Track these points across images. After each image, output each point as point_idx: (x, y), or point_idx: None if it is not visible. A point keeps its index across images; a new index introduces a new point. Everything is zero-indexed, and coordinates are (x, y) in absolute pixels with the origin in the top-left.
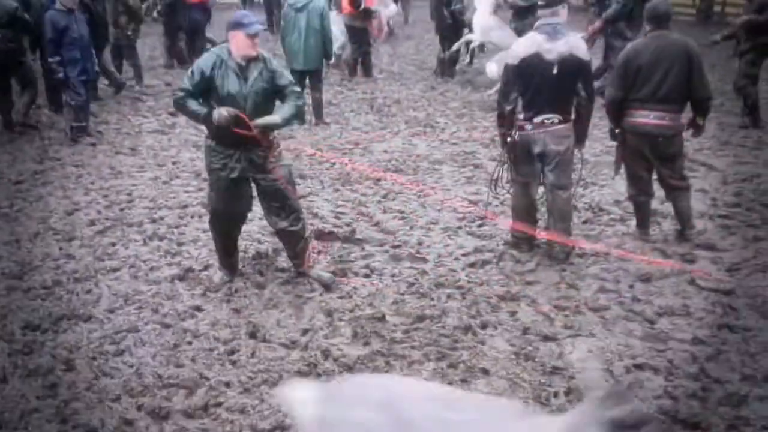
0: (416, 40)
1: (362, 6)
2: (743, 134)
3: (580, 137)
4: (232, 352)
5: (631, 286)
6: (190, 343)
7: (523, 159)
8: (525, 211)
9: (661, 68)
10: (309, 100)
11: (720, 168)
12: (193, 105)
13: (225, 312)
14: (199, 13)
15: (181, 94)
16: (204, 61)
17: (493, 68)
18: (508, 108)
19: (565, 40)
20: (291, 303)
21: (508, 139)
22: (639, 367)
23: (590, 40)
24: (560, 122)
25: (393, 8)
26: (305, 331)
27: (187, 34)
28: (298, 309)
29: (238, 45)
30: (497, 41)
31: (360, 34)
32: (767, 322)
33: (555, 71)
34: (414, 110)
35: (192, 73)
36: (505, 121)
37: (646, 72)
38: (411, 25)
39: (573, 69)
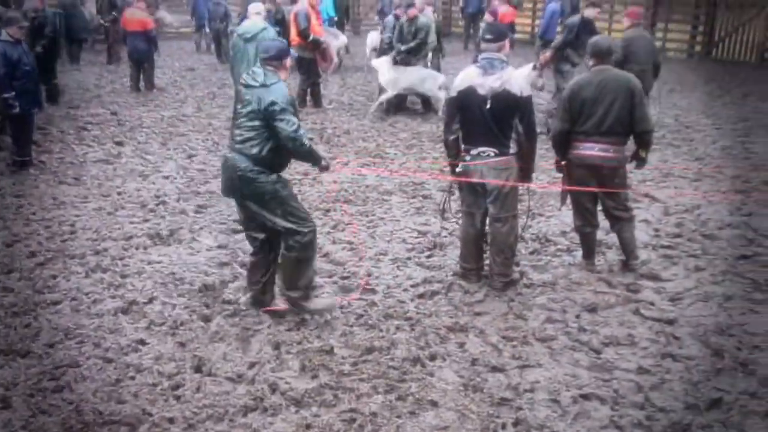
0: (366, 71)
1: (311, 37)
2: (684, 166)
3: (525, 172)
4: (176, 387)
5: (577, 317)
6: (132, 378)
7: (466, 189)
8: (471, 242)
9: (604, 102)
10: None
11: (662, 199)
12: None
13: (169, 345)
14: (141, 41)
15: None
16: None
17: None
18: (451, 138)
19: (499, 75)
20: (238, 336)
21: (457, 169)
22: (585, 397)
23: (542, 69)
24: (497, 155)
25: (343, 39)
26: (252, 365)
27: (131, 62)
28: (245, 342)
29: None
30: (428, 85)
31: (309, 64)
32: (709, 351)
33: (488, 105)
34: (364, 141)
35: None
36: (450, 151)
37: (590, 106)
38: (361, 56)
39: (507, 104)
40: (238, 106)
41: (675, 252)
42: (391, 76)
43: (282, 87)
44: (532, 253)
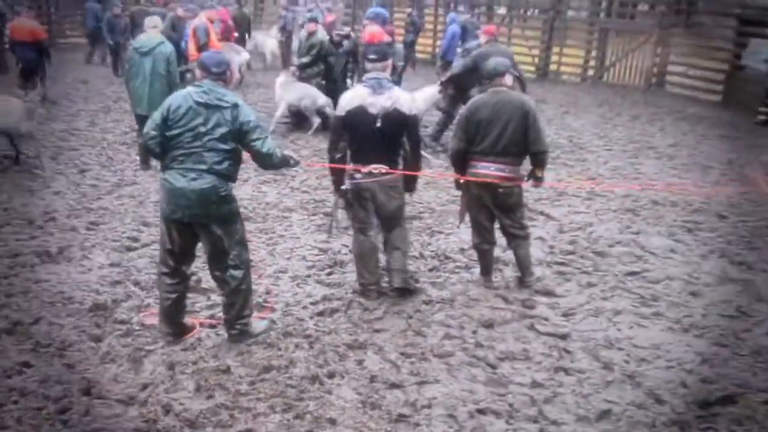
0: (268, 87)
1: None
2: (577, 185)
3: (409, 185)
4: (63, 411)
5: (474, 332)
6: (16, 402)
7: (357, 206)
8: (367, 257)
9: (500, 123)
10: None
11: (557, 217)
12: None
13: (56, 368)
14: (31, 51)
15: None
16: None
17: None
18: (337, 156)
19: (389, 94)
20: (130, 356)
21: (342, 187)
22: (481, 411)
23: (444, 90)
24: (388, 173)
25: (245, 55)
26: (145, 386)
27: (20, 72)
28: (137, 362)
29: None
30: (305, 103)
31: None
32: (599, 364)
33: (378, 124)
34: None
35: None
36: (335, 170)
37: (486, 126)
38: (263, 73)
39: (397, 122)
40: (200, 129)
41: (568, 269)
42: (280, 92)
43: (245, 104)
44: (431, 270)
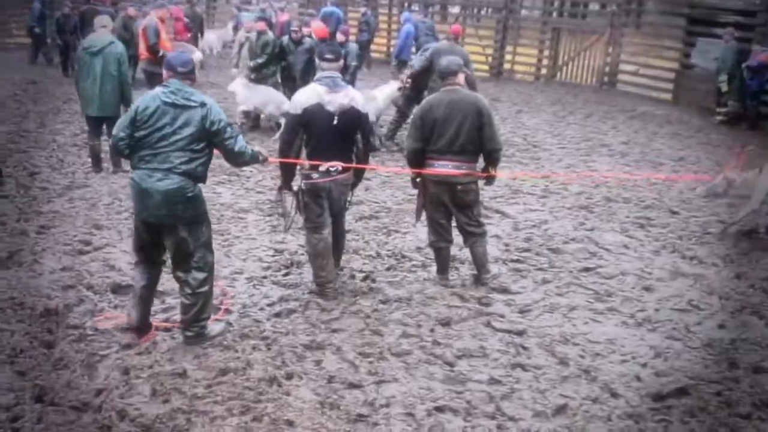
0: (221, 88)
1: (161, 52)
2: (532, 183)
3: (356, 181)
4: (15, 419)
5: (432, 331)
6: None
7: (312, 206)
8: (323, 255)
9: (455, 121)
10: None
11: (512, 215)
12: None
13: (7, 375)
14: None
15: None
16: None
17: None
18: (292, 155)
19: (345, 92)
20: (83, 362)
21: (296, 187)
22: (439, 409)
23: (402, 89)
24: (344, 170)
25: (198, 55)
26: (99, 392)
27: None
28: (91, 368)
29: None
30: (270, 110)
31: (159, 80)
32: (555, 360)
33: (336, 122)
34: (218, 158)
35: None
36: (288, 168)
37: (442, 125)
38: (216, 72)
39: (352, 120)
40: (167, 129)
41: (524, 266)
42: (245, 94)
43: (215, 103)
44: (388, 269)
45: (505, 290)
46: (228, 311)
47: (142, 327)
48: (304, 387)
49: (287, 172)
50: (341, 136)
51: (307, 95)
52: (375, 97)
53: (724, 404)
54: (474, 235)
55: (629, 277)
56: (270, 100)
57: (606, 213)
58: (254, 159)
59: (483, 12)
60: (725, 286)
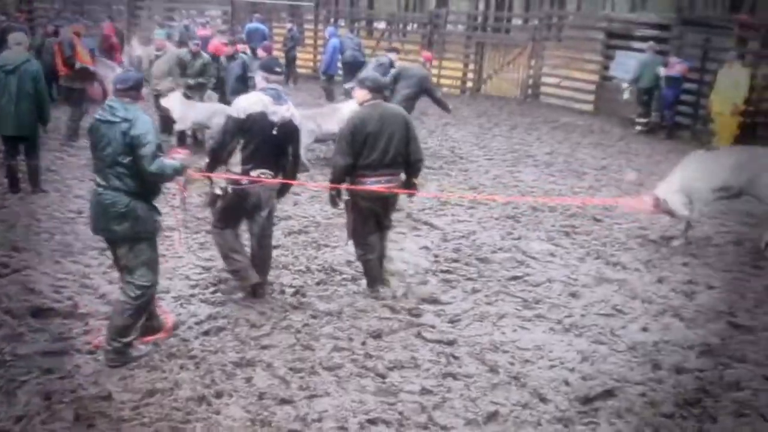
0: (148, 103)
1: (77, 65)
2: (460, 194)
3: (283, 190)
4: None
5: (363, 343)
6: None
7: (233, 209)
8: (230, 242)
9: (386, 135)
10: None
11: (440, 226)
12: None
13: None
14: None
15: None
16: None
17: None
18: (225, 156)
19: (288, 106)
20: (2, 388)
21: (219, 190)
22: (372, 421)
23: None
24: (272, 178)
25: (119, 71)
26: (19, 419)
27: None
28: (10, 395)
29: None
30: (217, 121)
31: (78, 95)
32: (486, 368)
33: (275, 132)
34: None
35: None
36: (215, 164)
37: (374, 139)
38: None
39: (289, 132)
40: (100, 145)
41: (453, 276)
42: (182, 112)
43: (146, 119)
44: (318, 283)
45: (435, 301)
46: (168, 333)
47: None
48: (234, 405)
49: (214, 166)
50: (277, 147)
51: (252, 102)
52: (340, 108)
53: (648, 404)
54: (386, 229)
55: (556, 284)
56: (216, 111)
57: (532, 222)
58: (177, 174)
59: (408, 27)
60: (647, 290)
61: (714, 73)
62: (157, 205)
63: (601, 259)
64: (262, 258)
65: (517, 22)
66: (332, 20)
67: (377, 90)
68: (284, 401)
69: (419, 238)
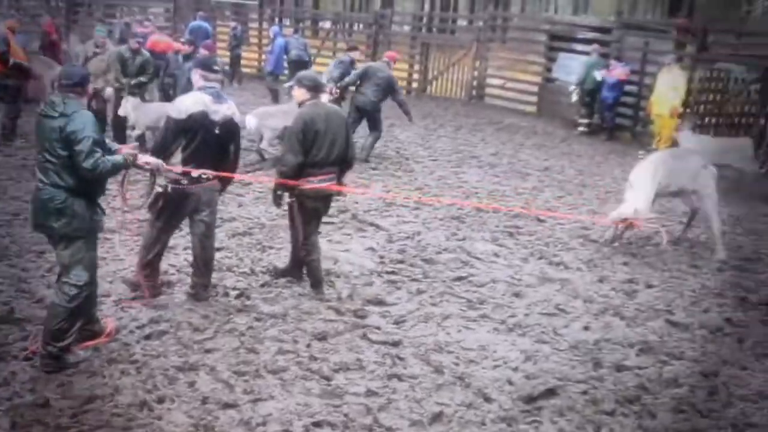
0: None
1: (11, 61)
2: (405, 195)
3: (225, 186)
4: None
5: (308, 346)
6: None
7: (171, 210)
8: (155, 253)
9: (331, 133)
10: None
11: (386, 227)
12: None
13: None
14: None
15: None
16: None
17: (252, 121)
18: (166, 158)
19: (228, 104)
20: None
21: (159, 188)
22: (317, 424)
23: (331, 99)
24: (214, 178)
25: (59, 69)
26: None
27: None
28: None
29: None
30: (155, 119)
31: (13, 92)
32: (431, 368)
33: (217, 131)
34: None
35: None
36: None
37: (322, 137)
38: None
39: (230, 131)
40: (41, 140)
41: (398, 277)
42: (138, 116)
43: (85, 115)
44: (262, 285)
45: (380, 302)
46: (109, 336)
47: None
48: (176, 410)
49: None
50: (219, 146)
51: (193, 102)
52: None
53: (590, 402)
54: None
55: (500, 285)
56: (166, 110)
57: (477, 223)
58: (117, 169)
59: (354, 27)
60: (589, 289)
61: (653, 76)
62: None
63: (544, 259)
64: (204, 260)
65: (462, 23)
66: (277, 19)
67: (315, 89)
68: (228, 405)
69: (364, 239)
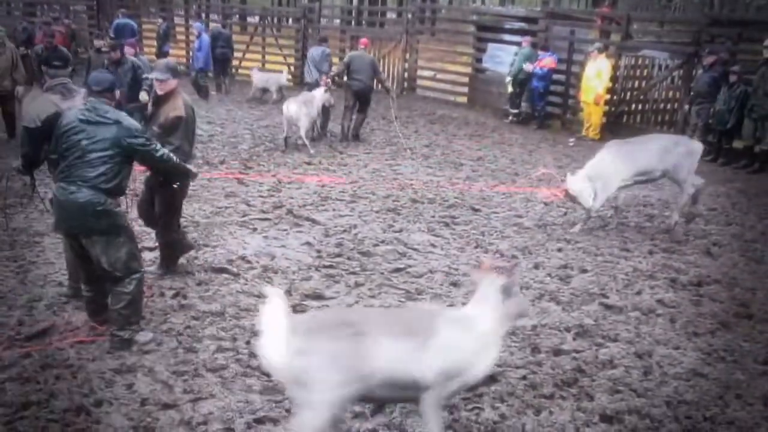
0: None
1: None
2: (340, 189)
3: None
4: None
5: (248, 342)
6: None
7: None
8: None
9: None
10: None
11: (322, 222)
12: None
13: None
14: None
15: None
16: None
17: (292, 108)
18: (39, 166)
19: (81, 96)
20: None
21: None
22: (259, 421)
23: (327, 90)
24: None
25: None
26: None
27: None
28: None
29: None
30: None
31: None
32: None
33: None
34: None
35: None
36: (27, 172)
37: (193, 129)
38: None
39: None
40: (84, 143)
41: (336, 271)
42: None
43: (129, 118)
44: (199, 284)
45: (319, 296)
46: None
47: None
48: (115, 413)
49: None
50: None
51: (42, 107)
52: (315, 97)
53: (529, 387)
54: None
55: (437, 275)
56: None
57: (413, 214)
58: (181, 170)
59: (283, 22)
60: (525, 276)
61: (581, 65)
62: (24, 210)
63: (480, 247)
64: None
65: (391, 15)
66: (204, 15)
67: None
68: (168, 406)
69: (301, 234)
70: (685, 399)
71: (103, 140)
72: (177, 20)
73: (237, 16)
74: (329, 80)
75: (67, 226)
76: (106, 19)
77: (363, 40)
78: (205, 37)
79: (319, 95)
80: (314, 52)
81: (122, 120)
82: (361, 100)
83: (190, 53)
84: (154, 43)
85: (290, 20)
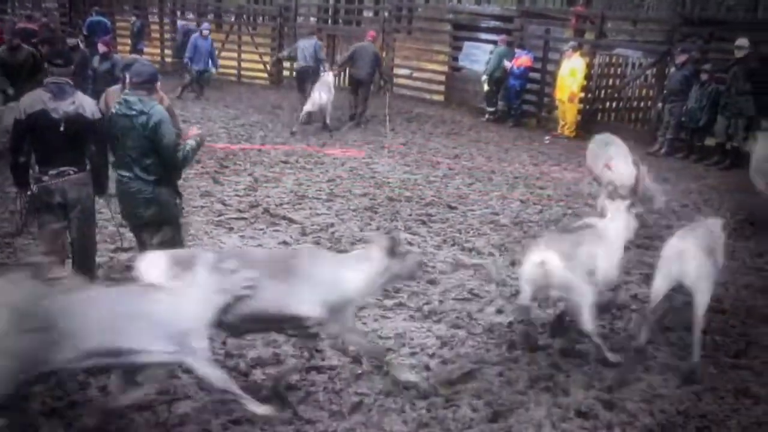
0: None
1: None
2: (317, 188)
3: (101, 187)
4: None
5: (224, 343)
6: None
7: (44, 209)
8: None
9: None
10: None
11: (299, 221)
12: None
13: None
14: None
15: None
16: None
17: (323, 95)
18: (21, 160)
19: (72, 99)
20: None
21: (29, 192)
22: (236, 422)
23: (336, 76)
24: (76, 173)
25: None
26: None
27: None
28: None
29: None
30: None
31: None
32: (348, 359)
33: (62, 128)
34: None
35: None
36: (19, 173)
37: None
38: None
39: (81, 126)
40: (119, 136)
41: None
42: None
43: (161, 110)
44: None
45: None
46: None
47: None
48: (89, 415)
49: (16, 176)
50: (69, 142)
51: (31, 101)
52: (329, 81)
53: (506, 383)
54: None
55: None
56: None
57: (390, 212)
58: (195, 153)
59: (258, 20)
60: (501, 273)
61: (556, 63)
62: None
63: (457, 245)
64: (83, 259)
65: (367, 13)
66: (179, 13)
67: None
68: (143, 407)
69: (278, 233)
70: (658, 393)
71: (134, 132)
72: (151, 18)
73: (212, 14)
74: (338, 67)
75: (124, 214)
76: (78, 16)
77: (371, 32)
78: (195, 37)
79: (330, 79)
80: (305, 43)
81: (149, 111)
82: (361, 88)
83: (166, 51)
84: (128, 40)
85: (266, 18)
